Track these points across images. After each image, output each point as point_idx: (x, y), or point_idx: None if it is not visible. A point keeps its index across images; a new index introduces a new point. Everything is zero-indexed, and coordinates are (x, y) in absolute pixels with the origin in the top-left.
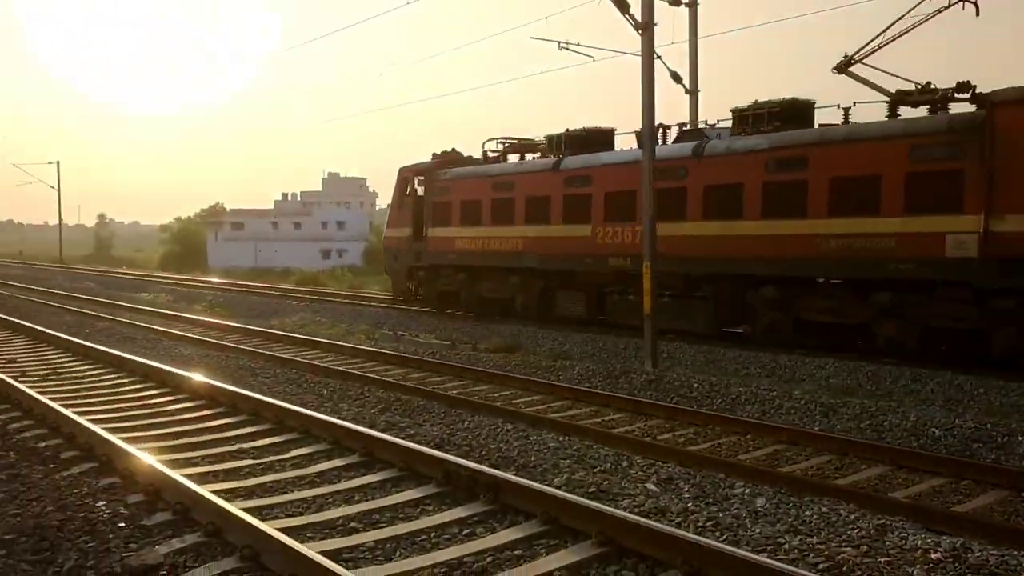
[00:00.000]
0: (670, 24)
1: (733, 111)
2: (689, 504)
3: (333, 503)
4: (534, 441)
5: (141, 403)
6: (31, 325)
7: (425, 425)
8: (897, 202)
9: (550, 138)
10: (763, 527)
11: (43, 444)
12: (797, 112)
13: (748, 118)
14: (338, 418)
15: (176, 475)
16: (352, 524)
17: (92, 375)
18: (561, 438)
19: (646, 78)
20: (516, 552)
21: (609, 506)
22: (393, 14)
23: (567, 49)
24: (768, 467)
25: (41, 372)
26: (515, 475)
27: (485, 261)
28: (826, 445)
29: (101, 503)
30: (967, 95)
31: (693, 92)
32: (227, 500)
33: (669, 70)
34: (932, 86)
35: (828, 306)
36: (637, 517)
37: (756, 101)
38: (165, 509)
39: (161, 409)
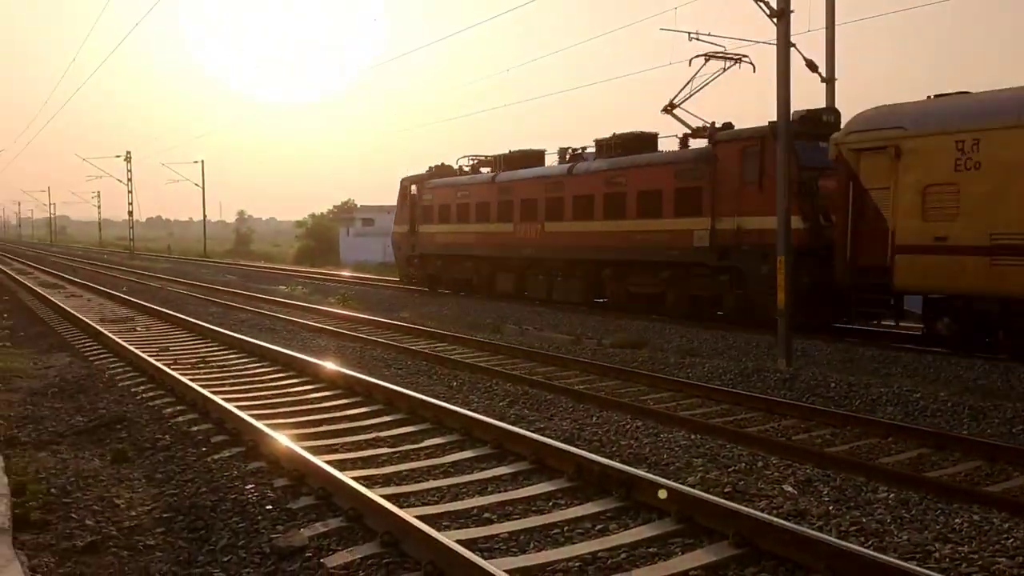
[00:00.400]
0: (806, 11)
1: (596, 141)
2: (830, 507)
3: (467, 493)
4: (665, 439)
5: (283, 391)
6: (181, 315)
7: (554, 419)
8: (670, 208)
9: (495, 157)
10: (910, 534)
11: (195, 428)
12: (642, 142)
13: (603, 146)
14: (469, 410)
15: (319, 461)
16: (486, 514)
17: (238, 363)
18: (692, 436)
19: (781, 67)
20: (650, 550)
21: (746, 507)
22: (518, 12)
23: (697, 40)
24: (913, 471)
25: (191, 360)
26: (647, 472)
27: (454, 251)
28: (975, 450)
29: (250, 486)
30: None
31: (830, 80)
32: (367, 487)
33: (804, 58)
34: (714, 124)
35: (641, 281)
36: (776, 519)
37: (615, 133)
38: (309, 494)
39: (301, 397)
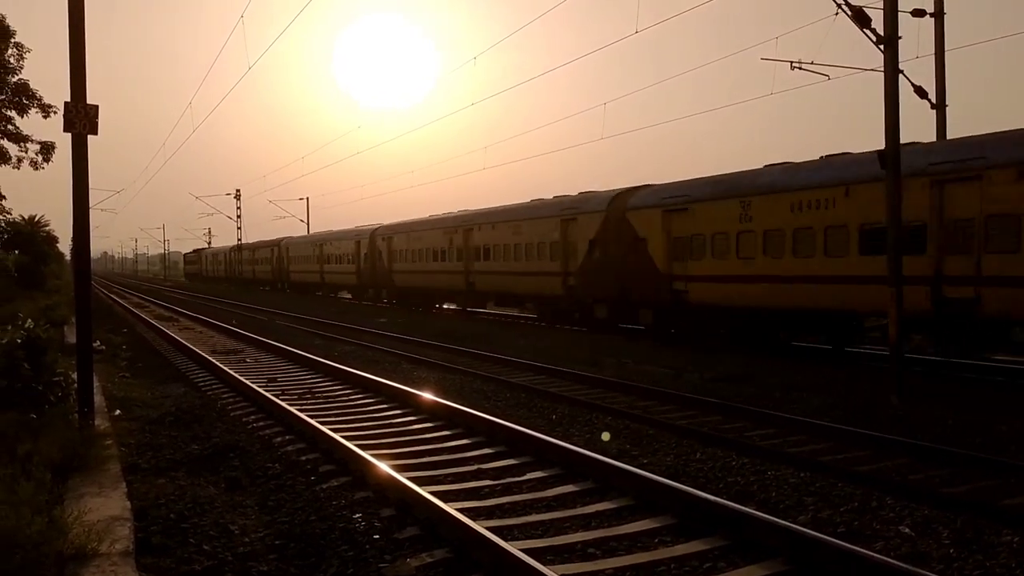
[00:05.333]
0: (914, 37)
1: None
2: (951, 550)
3: (570, 528)
4: (772, 476)
5: (386, 422)
6: (287, 347)
7: (657, 454)
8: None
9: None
10: None
11: (304, 458)
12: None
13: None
14: (570, 444)
15: (424, 492)
16: (590, 550)
17: (342, 395)
18: (802, 474)
19: (889, 94)
20: None
21: (862, 547)
22: (620, 44)
23: (800, 69)
24: None
25: (298, 391)
26: (756, 510)
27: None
28: None
29: (357, 515)
30: None
31: (940, 106)
32: (471, 519)
33: (913, 84)
34: None
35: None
36: (896, 561)
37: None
38: (414, 524)
39: (404, 428)
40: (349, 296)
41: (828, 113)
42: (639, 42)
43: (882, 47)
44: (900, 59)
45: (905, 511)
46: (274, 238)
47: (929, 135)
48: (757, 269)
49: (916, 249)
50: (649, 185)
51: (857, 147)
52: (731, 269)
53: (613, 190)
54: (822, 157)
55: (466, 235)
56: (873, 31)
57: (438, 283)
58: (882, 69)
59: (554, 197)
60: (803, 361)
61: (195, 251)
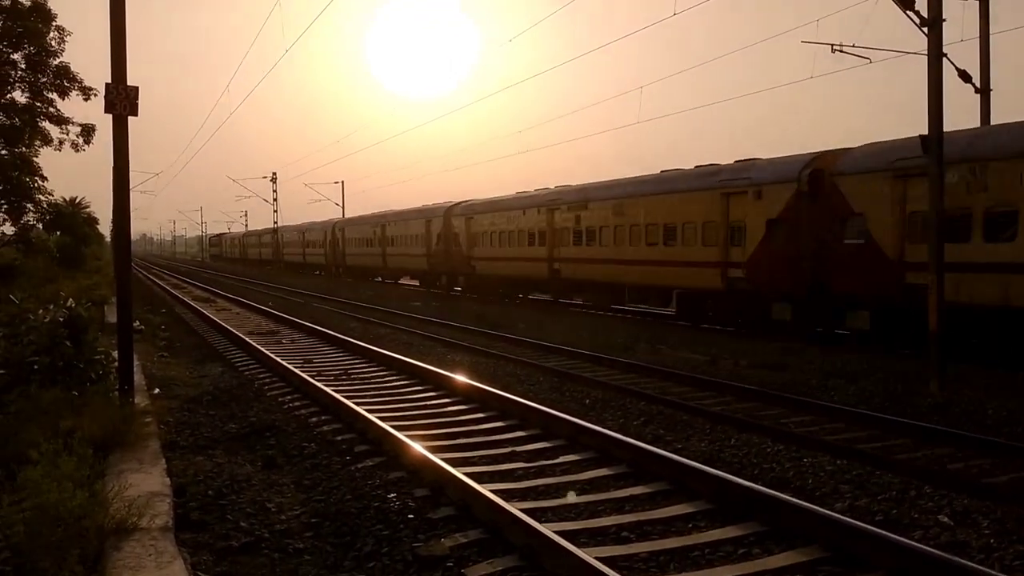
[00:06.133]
0: (957, 20)
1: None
2: (991, 540)
3: (604, 511)
4: (808, 464)
5: (421, 404)
6: (323, 329)
7: (692, 440)
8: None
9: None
10: None
11: (339, 438)
12: None
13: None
14: (604, 428)
15: (458, 473)
16: (624, 533)
17: (378, 376)
18: (839, 461)
19: (933, 78)
20: None
21: (900, 536)
22: (657, 27)
23: (841, 52)
24: None
25: (334, 372)
26: (793, 497)
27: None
28: None
29: (392, 495)
30: None
31: (985, 91)
32: (505, 500)
33: (957, 68)
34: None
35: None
36: (935, 550)
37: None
38: (448, 504)
39: (439, 410)
40: (321, 272)
41: (870, 97)
42: (677, 25)
43: (925, 30)
44: (944, 42)
45: (944, 500)
46: (271, 226)
47: (973, 120)
48: (498, 253)
49: (542, 243)
50: (466, 201)
51: (896, 133)
52: (490, 253)
53: (450, 202)
54: (536, 189)
55: (382, 228)
56: (916, 13)
57: (369, 262)
58: (925, 52)
59: (435, 204)
60: (841, 348)
61: (217, 235)
